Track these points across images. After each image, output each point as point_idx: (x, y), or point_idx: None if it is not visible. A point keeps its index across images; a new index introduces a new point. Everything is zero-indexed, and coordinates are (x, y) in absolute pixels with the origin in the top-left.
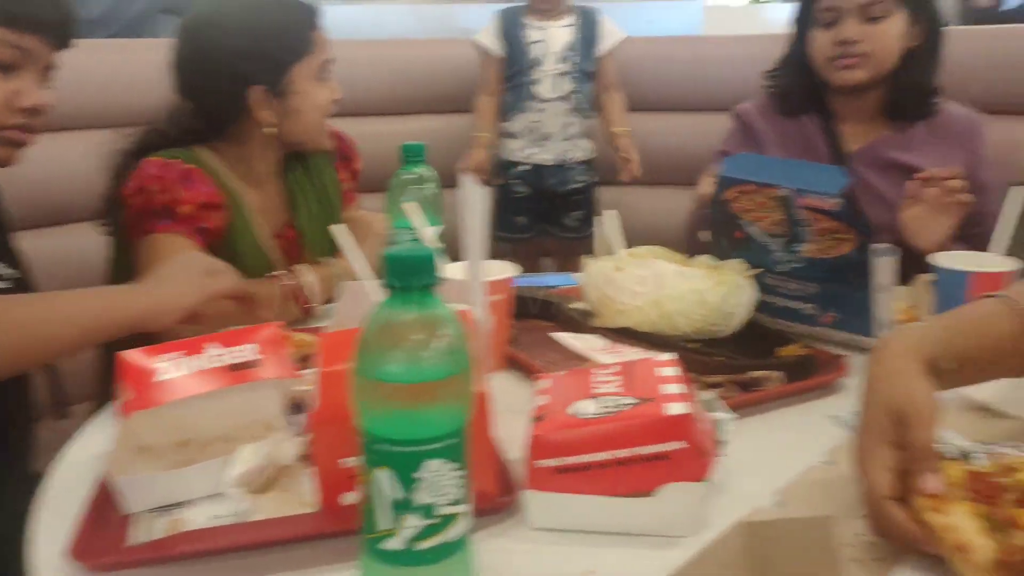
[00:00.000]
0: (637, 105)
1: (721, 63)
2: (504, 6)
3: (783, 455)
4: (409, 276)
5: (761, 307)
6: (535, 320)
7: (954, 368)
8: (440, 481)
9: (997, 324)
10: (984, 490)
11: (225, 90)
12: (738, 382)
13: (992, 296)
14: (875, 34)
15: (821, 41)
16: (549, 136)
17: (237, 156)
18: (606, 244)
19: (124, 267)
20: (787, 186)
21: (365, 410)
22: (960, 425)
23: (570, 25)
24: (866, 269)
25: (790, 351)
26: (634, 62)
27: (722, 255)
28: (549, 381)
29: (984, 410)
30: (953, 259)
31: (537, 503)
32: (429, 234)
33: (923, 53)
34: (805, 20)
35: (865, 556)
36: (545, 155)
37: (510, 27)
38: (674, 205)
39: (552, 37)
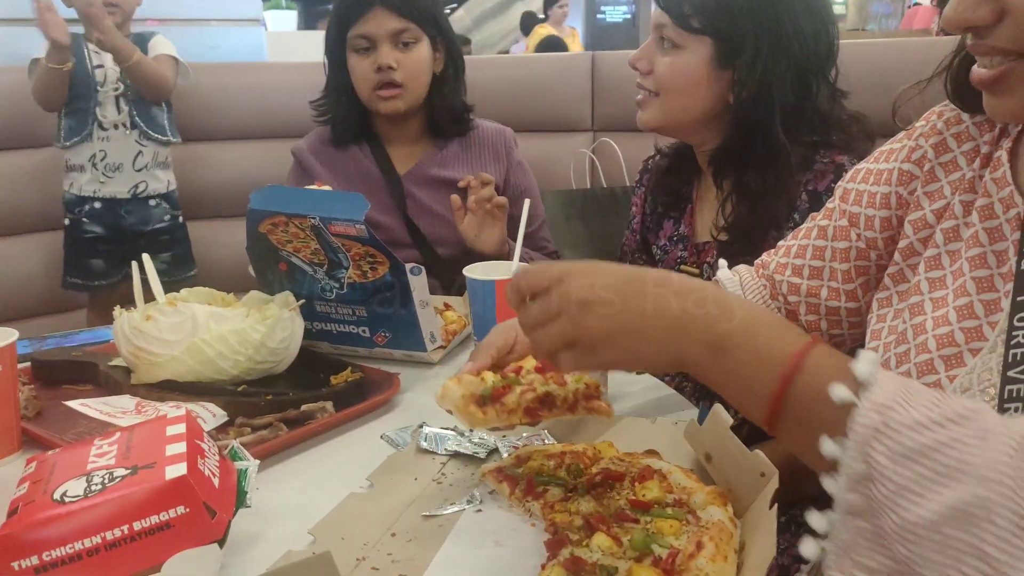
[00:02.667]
0: (207, 135)
1: (284, 89)
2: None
3: (327, 489)
4: None
5: (320, 335)
6: (71, 386)
7: None
8: None
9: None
10: (508, 481)
11: None
12: (288, 419)
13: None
14: (408, 61)
15: (361, 69)
16: (118, 167)
17: None
18: (142, 290)
19: None
20: (314, 215)
21: None
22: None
23: None
24: (403, 288)
25: (341, 377)
26: (199, 88)
27: (271, 289)
28: (34, 465)
29: None
30: (482, 270)
31: None
32: None
33: (448, 77)
34: (341, 50)
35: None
36: (115, 188)
37: (74, 49)
38: None
39: (110, 61)
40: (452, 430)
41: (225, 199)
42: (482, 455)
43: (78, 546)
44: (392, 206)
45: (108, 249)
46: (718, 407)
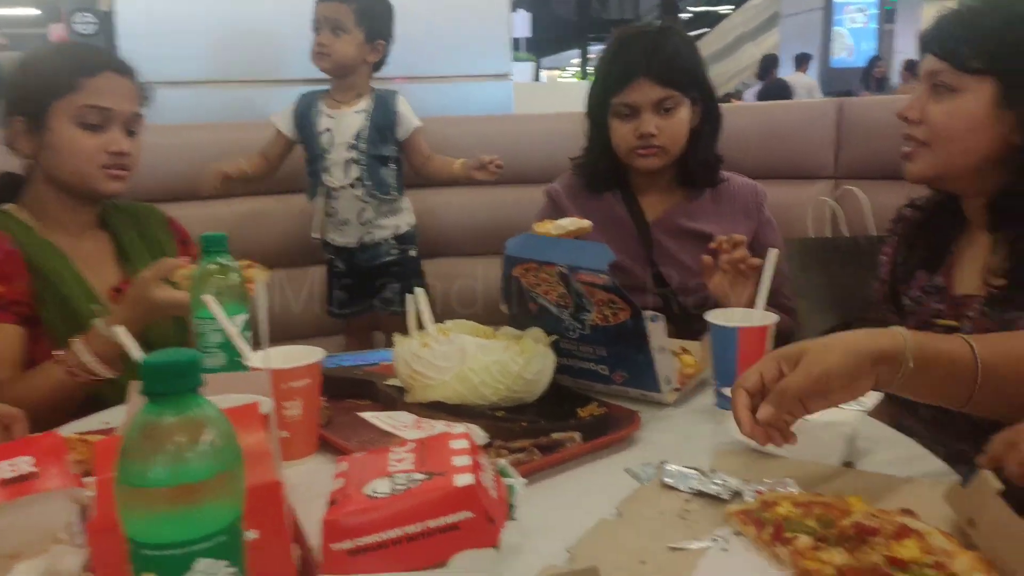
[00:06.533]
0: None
1: (529, 138)
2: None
3: (578, 512)
4: (167, 382)
5: (562, 369)
6: (352, 400)
7: (911, 369)
8: None
9: (960, 351)
10: (755, 524)
11: None
12: (540, 445)
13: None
14: (668, 127)
15: (622, 132)
16: (346, 222)
17: (39, 203)
18: (416, 320)
19: None
20: (563, 263)
21: (128, 517)
22: (733, 467)
23: (362, 111)
24: (642, 334)
25: (588, 411)
26: (449, 139)
27: (520, 326)
28: (346, 464)
29: (755, 452)
30: (724, 316)
31: None
32: (231, 324)
33: (704, 131)
34: (603, 112)
35: None
36: (346, 239)
37: (304, 112)
38: (492, 273)
39: (341, 126)
40: (695, 469)
41: (463, 240)
42: (725, 496)
43: (384, 536)
44: (639, 252)
45: (347, 284)
46: (986, 472)
